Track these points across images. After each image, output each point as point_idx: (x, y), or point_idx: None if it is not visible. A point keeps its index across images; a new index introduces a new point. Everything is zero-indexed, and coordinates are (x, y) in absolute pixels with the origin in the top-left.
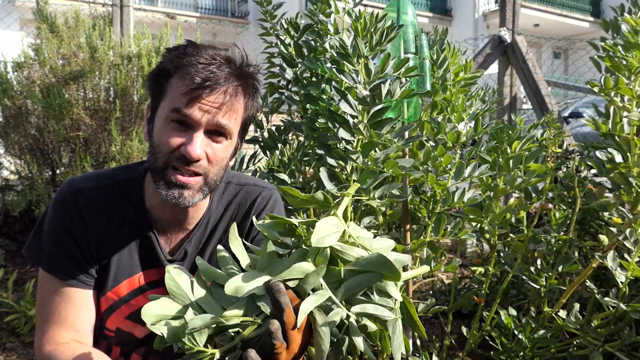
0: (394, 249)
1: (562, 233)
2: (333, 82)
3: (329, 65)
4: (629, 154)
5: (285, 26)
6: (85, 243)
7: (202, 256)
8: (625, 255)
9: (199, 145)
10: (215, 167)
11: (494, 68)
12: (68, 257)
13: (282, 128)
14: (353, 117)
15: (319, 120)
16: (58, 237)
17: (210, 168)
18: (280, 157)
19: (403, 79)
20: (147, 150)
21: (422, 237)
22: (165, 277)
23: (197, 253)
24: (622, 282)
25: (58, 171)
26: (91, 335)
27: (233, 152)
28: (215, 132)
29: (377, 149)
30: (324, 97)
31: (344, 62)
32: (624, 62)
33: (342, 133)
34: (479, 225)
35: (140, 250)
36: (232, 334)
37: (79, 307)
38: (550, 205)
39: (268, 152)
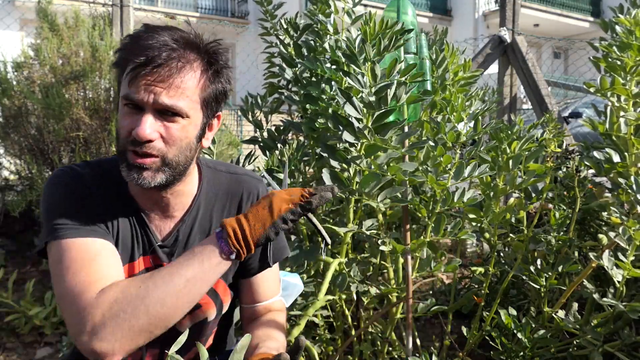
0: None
1: (562, 233)
2: (336, 84)
3: (328, 65)
4: (626, 153)
5: (285, 26)
6: (96, 210)
7: (193, 242)
8: (620, 255)
9: (148, 126)
10: (172, 148)
11: (494, 68)
12: (85, 214)
13: (281, 128)
14: (358, 120)
15: (318, 120)
16: (69, 199)
17: (167, 148)
18: (279, 157)
19: (408, 83)
20: None
21: (422, 237)
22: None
23: (186, 239)
24: (618, 282)
25: None
26: None
27: (200, 132)
28: (167, 112)
29: (380, 152)
30: (324, 97)
31: (350, 64)
32: (619, 63)
33: (347, 136)
34: (479, 225)
35: (134, 236)
36: None
37: (111, 259)
38: (550, 205)
39: (267, 152)
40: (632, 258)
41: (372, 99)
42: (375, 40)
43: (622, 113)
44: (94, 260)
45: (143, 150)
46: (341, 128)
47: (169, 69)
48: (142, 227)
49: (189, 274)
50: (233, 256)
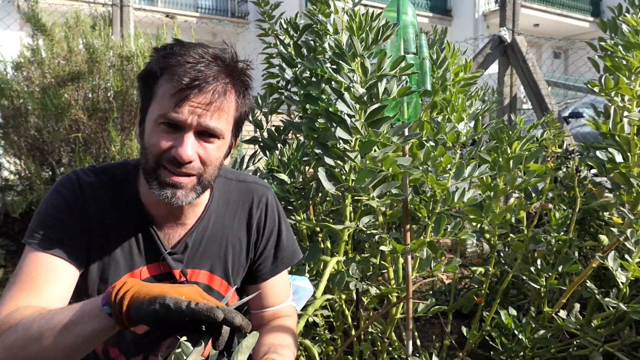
0: None
1: (562, 233)
2: (333, 82)
3: (328, 65)
4: (629, 153)
5: (285, 26)
6: (85, 225)
7: (204, 251)
8: (626, 256)
9: (190, 146)
10: (209, 168)
11: (494, 68)
12: (63, 230)
13: (281, 128)
14: (350, 116)
15: (318, 120)
16: (57, 212)
17: (203, 169)
18: (279, 157)
19: (401, 78)
20: None
21: (422, 237)
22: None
23: (197, 247)
24: (622, 283)
25: (58, 171)
26: None
27: (227, 151)
28: (206, 134)
29: (376, 148)
30: (324, 97)
31: (340, 61)
32: (625, 62)
33: (340, 132)
34: (479, 225)
35: (141, 244)
36: None
37: (58, 280)
38: (550, 205)
39: (267, 152)
40: (637, 259)
41: (363, 91)
42: (363, 34)
43: (625, 113)
44: (39, 277)
45: (183, 170)
46: (335, 125)
47: (213, 92)
48: (148, 235)
49: (69, 314)
50: (106, 308)
